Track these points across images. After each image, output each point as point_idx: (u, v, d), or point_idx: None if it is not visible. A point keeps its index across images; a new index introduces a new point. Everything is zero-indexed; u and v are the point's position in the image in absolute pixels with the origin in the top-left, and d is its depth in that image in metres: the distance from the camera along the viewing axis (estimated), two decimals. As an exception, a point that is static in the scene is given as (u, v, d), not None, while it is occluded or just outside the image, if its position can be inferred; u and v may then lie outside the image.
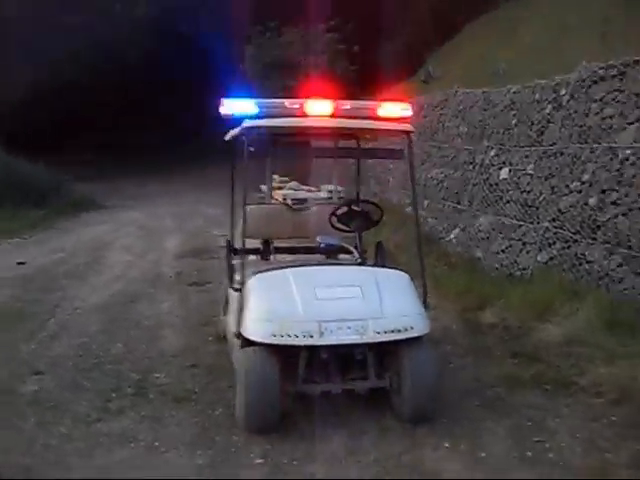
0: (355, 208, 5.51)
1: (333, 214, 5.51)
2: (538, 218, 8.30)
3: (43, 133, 24.40)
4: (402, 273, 5.05)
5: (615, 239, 6.96)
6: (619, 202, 6.97)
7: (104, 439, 4.57)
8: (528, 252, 8.29)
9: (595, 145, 7.53)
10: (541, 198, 8.34)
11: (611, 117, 7.40)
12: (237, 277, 5.54)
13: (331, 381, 4.70)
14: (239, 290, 5.31)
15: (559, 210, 7.93)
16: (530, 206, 8.55)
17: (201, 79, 26.24)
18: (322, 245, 5.63)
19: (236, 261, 5.91)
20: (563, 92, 8.45)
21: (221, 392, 5.30)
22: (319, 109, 5.13)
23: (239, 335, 4.77)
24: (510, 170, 9.25)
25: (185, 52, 26.59)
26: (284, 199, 14.63)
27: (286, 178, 16.09)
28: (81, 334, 6.90)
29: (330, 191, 13.33)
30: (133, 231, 14.34)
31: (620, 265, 6.84)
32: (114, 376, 5.69)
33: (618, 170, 7.07)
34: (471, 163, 10.48)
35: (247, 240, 5.76)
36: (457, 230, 10.47)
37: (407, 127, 5.15)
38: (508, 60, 12.99)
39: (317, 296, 4.62)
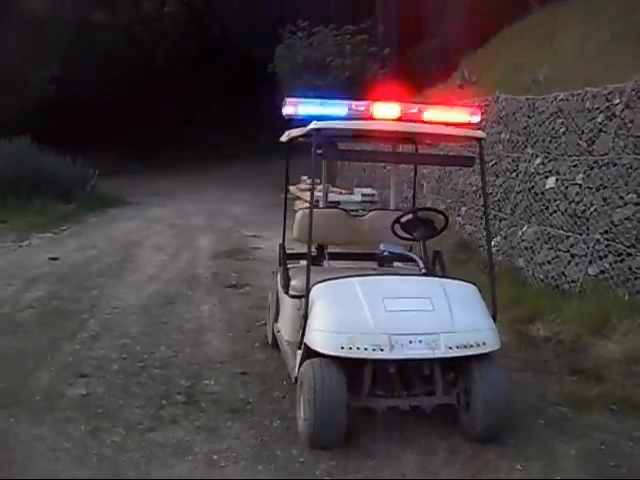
0: (420, 216, 5.30)
1: (397, 221, 5.29)
2: (588, 230, 8.03)
3: (67, 129, 24.32)
4: (470, 285, 4.83)
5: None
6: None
7: (159, 450, 4.36)
8: (577, 264, 8.02)
9: (653, 156, 7.28)
10: (592, 209, 8.07)
11: (673, 128, 7.16)
12: (294, 283, 5.35)
13: (396, 396, 4.48)
14: (298, 297, 5.14)
15: (612, 222, 7.66)
16: (579, 217, 8.29)
17: (230, 76, 26.06)
18: (385, 253, 5.41)
19: (292, 266, 5.72)
20: (617, 101, 8.19)
21: (276, 402, 5.09)
22: (386, 112, 4.93)
23: (301, 345, 4.57)
24: (557, 179, 8.99)
25: (213, 49, 26.44)
26: (317, 201, 14.42)
27: (317, 180, 15.86)
28: (122, 335, 6.71)
29: (365, 194, 13.15)
30: (162, 229, 14.16)
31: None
32: (163, 382, 5.48)
33: (680, 182, 6.84)
34: (514, 171, 10.22)
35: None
36: (498, 238, 10.20)
37: (479, 134, 4.93)
38: (548, 67, 12.70)
39: (386, 307, 4.40)
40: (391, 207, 6.46)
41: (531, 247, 9.17)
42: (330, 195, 14.18)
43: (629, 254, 7.32)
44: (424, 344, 4.29)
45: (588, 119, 8.63)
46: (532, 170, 9.68)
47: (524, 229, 9.54)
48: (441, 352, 4.31)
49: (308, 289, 4.55)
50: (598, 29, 13.03)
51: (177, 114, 29.36)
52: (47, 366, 5.77)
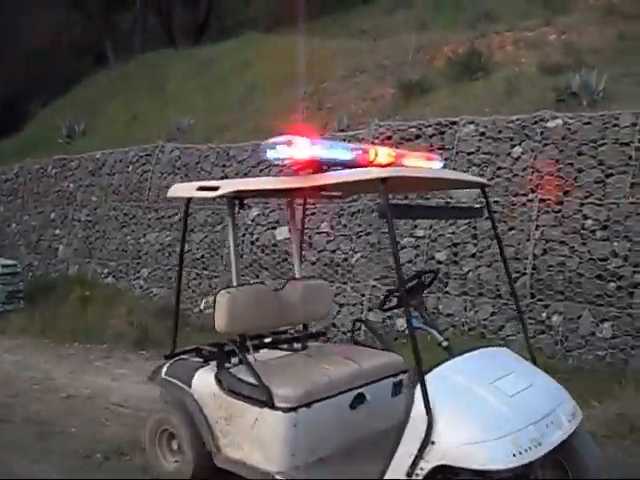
0: (417, 281, 4.34)
1: (392, 293, 4.23)
2: (355, 277, 7.89)
3: None
4: (508, 349, 4.18)
5: (479, 290, 7.04)
6: (480, 255, 7.08)
7: None
8: (352, 313, 7.76)
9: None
10: (357, 256, 7.95)
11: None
12: (284, 391, 3.82)
13: None
14: (293, 410, 3.76)
15: (389, 267, 7.67)
16: (338, 265, 8.07)
17: None
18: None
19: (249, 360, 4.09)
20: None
21: None
22: (385, 157, 3.95)
23: (415, 471, 3.23)
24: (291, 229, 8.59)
25: None
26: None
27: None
28: None
29: (5, 265, 10.47)
30: None
31: (494, 314, 6.94)
32: None
33: (468, 224, 7.21)
34: (218, 224, 9.43)
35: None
36: (211, 299, 9.23)
37: (483, 180, 4.36)
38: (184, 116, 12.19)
39: (506, 393, 3.49)
40: (296, 275, 5.18)
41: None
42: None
43: (419, 296, 7.41)
44: (555, 425, 3.51)
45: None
46: (249, 222, 9.08)
47: (254, 285, 8.85)
48: (566, 429, 3.57)
49: (426, 394, 3.27)
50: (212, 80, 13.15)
51: None
52: None
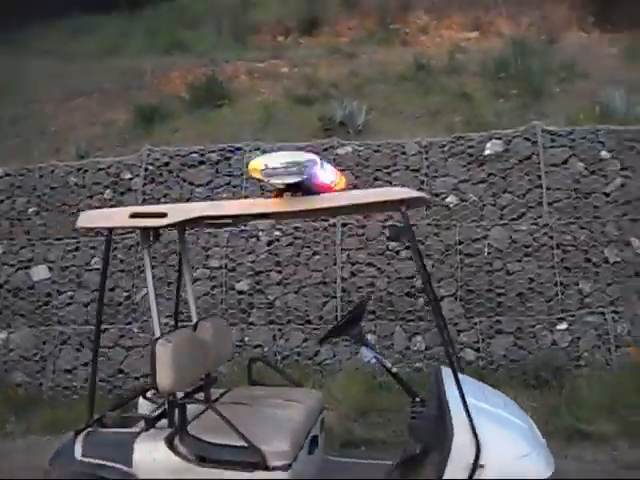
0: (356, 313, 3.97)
1: (348, 323, 3.83)
2: (141, 316, 7.11)
3: None
4: (446, 368, 4.16)
5: (287, 317, 6.89)
6: (287, 282, 6.95)
7: None
8: (142, 356, 6.94)
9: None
10: (143, 292, 7.16)
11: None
12: (273, 447, 3.27)
13: None
14: (288, 468, 3.33)
15: (184, 301, 7.06)
16: (119, 304, 7.19)
17: None
18: (373, 361, 3.83)
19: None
20: (128, 175, 7.56)
21: None
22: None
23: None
24: (52, 268, 7.45)
25: None
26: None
27: None
28: None
29: None
30: None
31: (306, 340, 6.85)
32: None
33: (270, 252, 7.03)
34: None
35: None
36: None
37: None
38: None
39: (503, 408, 3.52)
40: (193, 315, 4.32)
41: (24, 356, 7.24)
42: None
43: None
44: (539, 434, 3.64)
45: (88, 195, 7.56)
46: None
47: (3, 335, 7.41)
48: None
49: (471, 418, 3.08)
50: None
51: None
52: None
